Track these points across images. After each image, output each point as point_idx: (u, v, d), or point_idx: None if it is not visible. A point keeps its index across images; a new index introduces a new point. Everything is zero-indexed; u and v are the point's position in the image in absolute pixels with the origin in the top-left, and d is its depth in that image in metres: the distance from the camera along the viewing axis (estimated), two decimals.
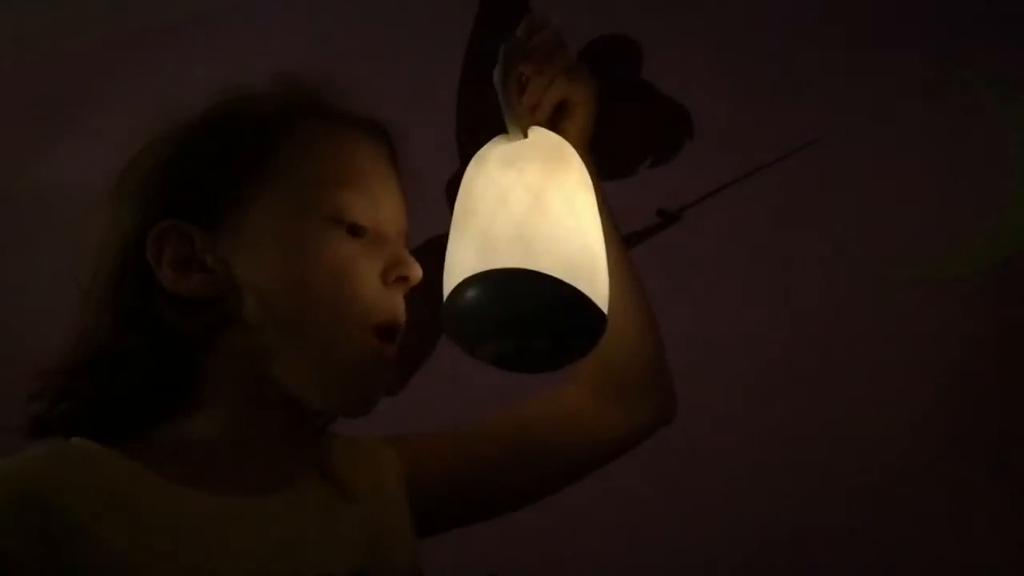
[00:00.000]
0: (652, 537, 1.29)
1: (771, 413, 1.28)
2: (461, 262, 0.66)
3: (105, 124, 1.61)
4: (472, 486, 0.82)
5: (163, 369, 0.68)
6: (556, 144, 0.71)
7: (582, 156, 0.72)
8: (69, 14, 1.76)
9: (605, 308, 0.67)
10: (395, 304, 0.70)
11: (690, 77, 1.43)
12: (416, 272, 0.71)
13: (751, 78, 1.40)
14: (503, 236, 0.64)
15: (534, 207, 0.65)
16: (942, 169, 1.28)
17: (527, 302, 0.63)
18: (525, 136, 0.69)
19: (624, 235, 0.85)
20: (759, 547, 1.24)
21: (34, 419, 0.68)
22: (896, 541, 1.20)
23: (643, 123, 1.43)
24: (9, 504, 0.58)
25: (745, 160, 1.37)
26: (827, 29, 1.37)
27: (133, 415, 0.68)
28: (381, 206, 0.72)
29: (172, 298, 0.67)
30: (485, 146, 0.71)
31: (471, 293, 0.65)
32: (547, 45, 0.74)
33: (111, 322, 0.68)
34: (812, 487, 1.24)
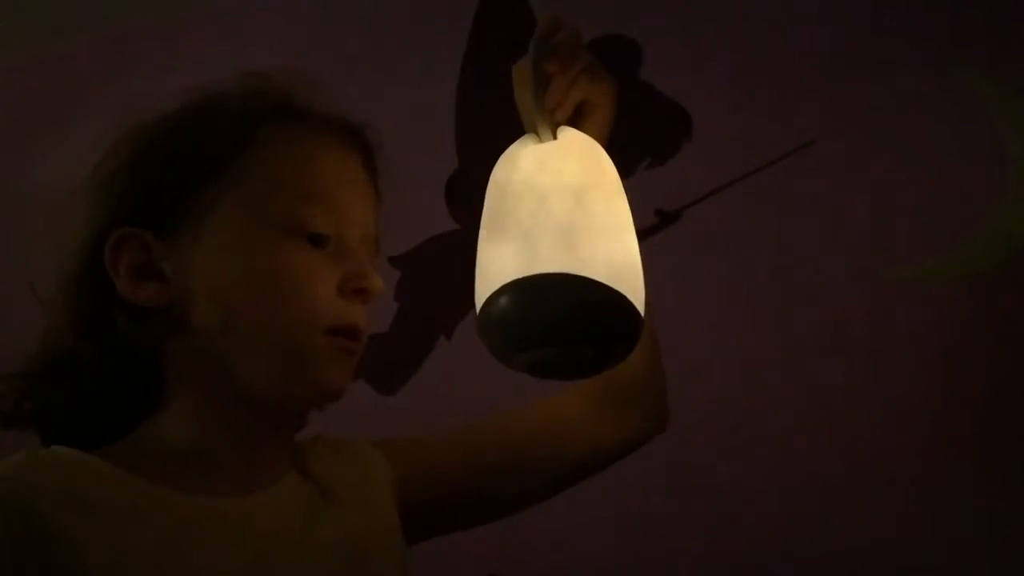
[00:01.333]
0: (652, 538, 1.29)
1: (770, 414, 1.28)
2: (498, 267, 0.63)
3: (92, 128, 1.60)
4: (463, 492, 0.81)
5: (122, 376, 0.67)
6: (589, 145, 0.69)
7: None
8: (61, 16, 1.75)
9: (643, 312, 0.65)
10: (351, 313, 0.68)
11: (690, 77, 1.42)
12: (375, 284, 0.69)
13: (751, 78, 1.39)
14: (546, 239, 0.62)
15: (576, 209, 0.63)
16: (942, 169, 1.28)
17: (576, 309, 0.61)
18: (555, 137, 0.67)
19: None
20: (759, 550, 1.24)
21: (2, 414, 0.68)
22: (893, 541, 1.20)
23: (643, 123, 1.42)
24: None
25: (745, 160, 1.36)
26: (826, 29, 1.37)
27: (106, 420, 0.67)
28: (344, 214, 0.70)
29: (129, 306, 0.66)
30: (512, 146, 0.69)
31: (514, 299, 0.62)
32: (569, 44, 0.72)
33: (68, 329, 0.67)
34: (810, 488, 1.24)
